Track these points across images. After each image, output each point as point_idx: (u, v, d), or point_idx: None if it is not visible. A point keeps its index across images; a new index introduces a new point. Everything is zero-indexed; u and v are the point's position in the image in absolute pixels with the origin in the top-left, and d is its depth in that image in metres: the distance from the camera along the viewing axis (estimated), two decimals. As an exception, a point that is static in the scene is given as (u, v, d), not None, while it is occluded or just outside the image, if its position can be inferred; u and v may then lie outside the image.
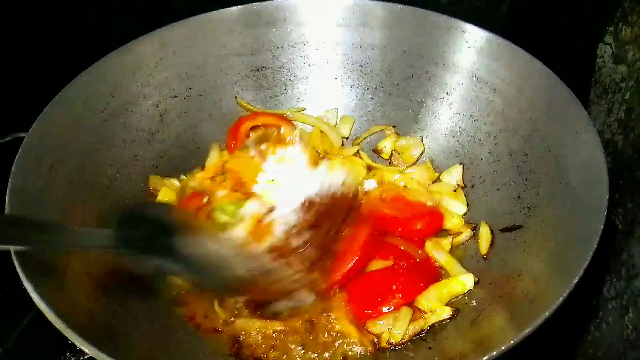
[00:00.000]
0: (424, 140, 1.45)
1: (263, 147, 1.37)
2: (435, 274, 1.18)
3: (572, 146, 1.12)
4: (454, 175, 1.36)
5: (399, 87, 1.48)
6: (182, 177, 1.39)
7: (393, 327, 1.08)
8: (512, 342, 0.84)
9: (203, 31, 1.44)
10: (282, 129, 1.47)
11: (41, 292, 0.87)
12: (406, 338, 1.08)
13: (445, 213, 1.28)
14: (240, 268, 1.12)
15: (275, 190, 1.26)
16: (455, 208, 1.30)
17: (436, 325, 1.10)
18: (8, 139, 1.33)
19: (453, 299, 1.13)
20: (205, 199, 1.29)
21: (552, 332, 1.05)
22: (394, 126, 1.48)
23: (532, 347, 0.94)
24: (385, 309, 1.11)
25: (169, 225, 1.05)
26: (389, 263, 1.18)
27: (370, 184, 1.36)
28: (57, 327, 0.85)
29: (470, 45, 1.35)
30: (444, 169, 1.39)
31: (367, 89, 1.51)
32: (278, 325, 1.10)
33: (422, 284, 1.14)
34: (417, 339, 1.09)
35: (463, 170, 1.36)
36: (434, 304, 1.10)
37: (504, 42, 1.31)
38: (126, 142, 1.33)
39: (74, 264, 1.00)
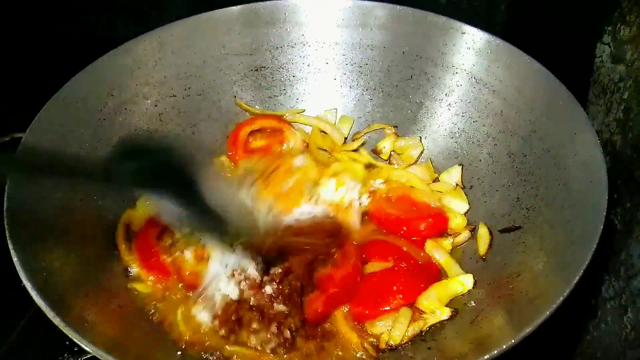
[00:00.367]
0: (422, 141, 1.45)
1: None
2: (435, 275, 1.18)
3: (571, 147, 1.12)
4: (452, 176, 1.36)
5: (398, 88, 1.47)
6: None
7: (392, 328, 1.08)
8: (511, 342, 0.84)
9: (202, 31, 1.44)
10: (284, 145, 1.45)
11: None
12: (405, 339, 1.07)
13: (447, 212, 1.28)
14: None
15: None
16: (456, 206, 1.30)
17: (435, 325, 1.10)
18: (6, 139, 1.32)
19: (453, 299, 1.13)
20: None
21: (551, 332, 1.05)
22: (395, 126, 1.48)
23: (531, 347, 0.94)
24: (385, 310, 1.10)
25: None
26: (388, 264, 1.18)
27: (377, 184, 1.34)
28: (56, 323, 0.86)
29: (470, 46, 1.35)
30: (443, 169, 1.39)
31: (366, 89, 1.51)
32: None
33: (422, 285, 1.13)
34: (417, 340, 1.08)
35: (462, 171, 1.36)
36: (435, 304, 1.10)
37: (503, 43, 1.31)
38: (125, 141, 1.33)
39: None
